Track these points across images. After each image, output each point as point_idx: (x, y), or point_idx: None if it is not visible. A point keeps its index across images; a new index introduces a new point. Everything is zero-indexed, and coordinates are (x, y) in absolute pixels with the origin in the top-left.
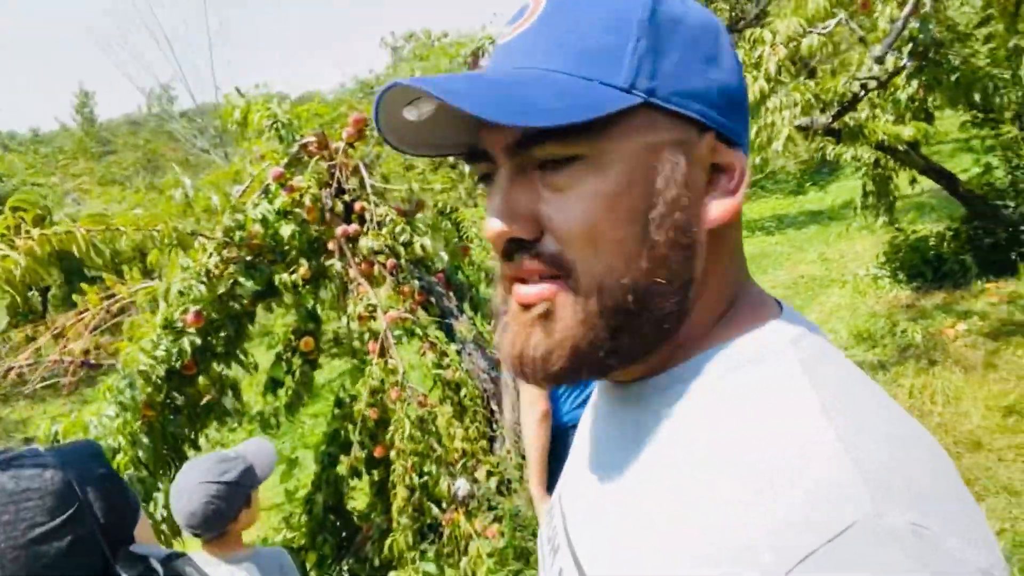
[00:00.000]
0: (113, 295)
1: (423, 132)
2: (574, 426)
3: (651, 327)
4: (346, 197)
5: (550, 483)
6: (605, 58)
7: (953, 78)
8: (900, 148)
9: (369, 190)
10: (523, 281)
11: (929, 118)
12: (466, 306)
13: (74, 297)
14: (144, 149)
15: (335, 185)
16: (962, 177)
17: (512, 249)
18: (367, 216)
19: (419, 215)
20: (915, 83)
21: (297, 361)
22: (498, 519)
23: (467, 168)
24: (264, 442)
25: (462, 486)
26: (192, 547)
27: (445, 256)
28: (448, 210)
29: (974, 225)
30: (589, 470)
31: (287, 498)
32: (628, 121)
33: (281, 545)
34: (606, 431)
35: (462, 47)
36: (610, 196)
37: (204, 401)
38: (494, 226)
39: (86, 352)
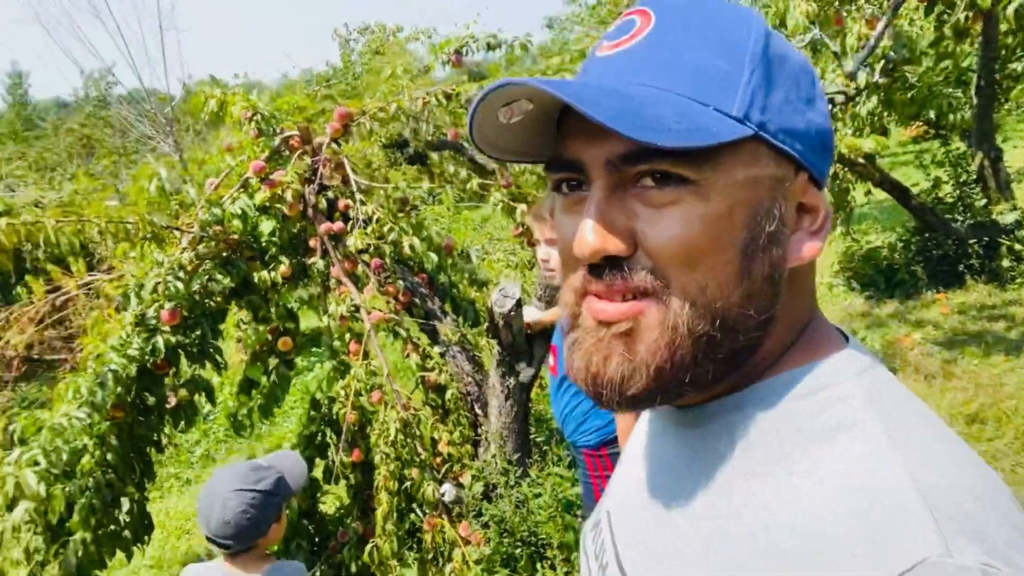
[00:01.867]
0: (58, 288)
1: (506, 136)
2: None
3: (729, 356)
4: (329, 194)
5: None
6: (719, 85)
7: (909, 95)
8: (859, 161)
9: (354, 187)
10: (599, 297)
11: (885, 132)
12: (448, 307)
13: (18, 290)
14: (79, 134)
15: (318, 181)
16: (913, 190)
17: (603, 266)
18: (351, 214)
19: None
20: (875, 98)
21: (274, 361)
22: (484, 525)
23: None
24: (294, 454)
25: (449, 490)
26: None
27: (434, 257)
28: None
29: (925, 237)
30: (642, 490)
31: None
32: (735, 150)
33: None
34: (661, 452)
35: (447, 44)
36: (711, 220)
37: (176, 401)
38: (590, 240)
39: (29, 347)
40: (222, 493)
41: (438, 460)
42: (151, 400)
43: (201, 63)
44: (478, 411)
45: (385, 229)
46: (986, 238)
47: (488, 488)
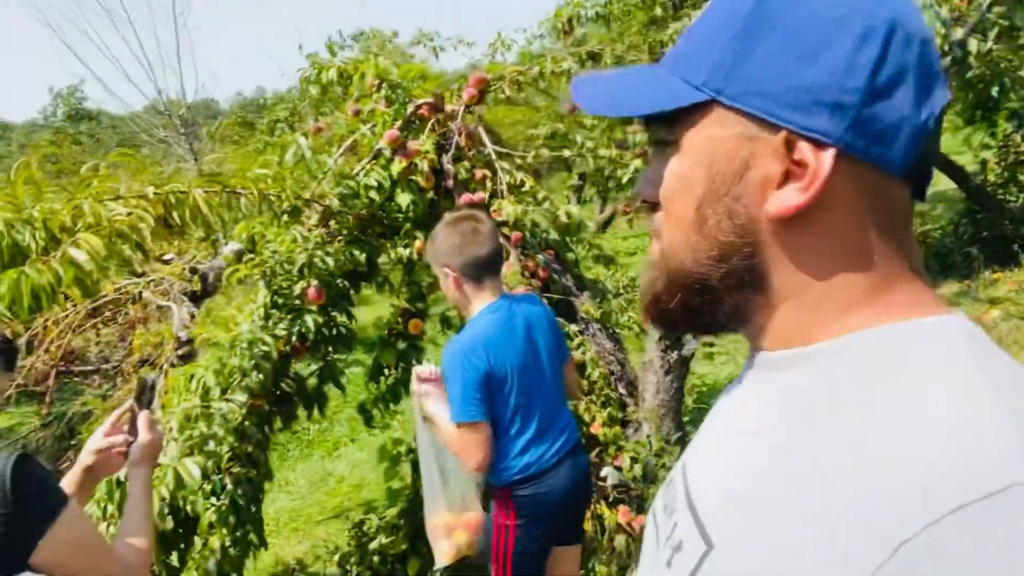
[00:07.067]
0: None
1: None
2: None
3: (706, 301)
4: (466, 164)
5: None
6: (696, 56)
7: (968, 75)
8: None
9: (493, 155)
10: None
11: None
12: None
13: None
14: (45, 152)
15: (452, 151)
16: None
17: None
18: (488, 184)
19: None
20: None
21: (403, 345)
22: (641, 510)
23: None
24: None
25: (611, 474)
26: None
27: (589, 224)
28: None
29: (979, 218)
30: (721, 433)
31: (391, 500)
32: (702, 113)
33: (379, 551)
34: (745, 398)
35: (560, 14)
36: (679, 176)
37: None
38: (636, 186)
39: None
40: None
41: (596, 443)
42: (288, 386)
43: (212, 66)
44: (621, 391)
45: (539, 196)
46: None
47: (648, 469)
